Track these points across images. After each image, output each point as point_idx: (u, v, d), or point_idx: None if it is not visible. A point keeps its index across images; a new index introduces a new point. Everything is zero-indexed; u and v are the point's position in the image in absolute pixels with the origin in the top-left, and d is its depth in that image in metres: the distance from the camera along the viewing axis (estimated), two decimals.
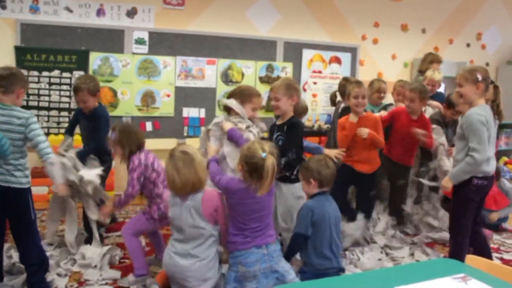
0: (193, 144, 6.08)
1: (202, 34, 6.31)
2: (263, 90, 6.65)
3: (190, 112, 6.31)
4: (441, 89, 5.79)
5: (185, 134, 6.33)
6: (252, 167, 2.83)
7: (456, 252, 3.54)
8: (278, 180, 3.53)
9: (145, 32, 6.04)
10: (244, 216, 2.93)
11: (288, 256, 3.19)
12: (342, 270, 3.25)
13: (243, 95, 3.80)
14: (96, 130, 4.22)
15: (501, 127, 8.11)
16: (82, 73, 5.70)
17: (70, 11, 5.73)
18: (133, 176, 3.49)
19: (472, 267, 2.32)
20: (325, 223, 3.15)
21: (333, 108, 5.07)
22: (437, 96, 5.48)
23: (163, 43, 6.11)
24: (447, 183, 3.56)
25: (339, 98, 5.09)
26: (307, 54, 6.95)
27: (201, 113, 6.38)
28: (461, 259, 3.23)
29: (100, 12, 5.86)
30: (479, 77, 3.39)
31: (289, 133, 3.61)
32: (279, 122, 3.75)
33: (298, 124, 3.67)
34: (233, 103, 3.71)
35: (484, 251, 3.68)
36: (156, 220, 3.56)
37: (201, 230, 2.87)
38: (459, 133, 3.53)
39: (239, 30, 6.53)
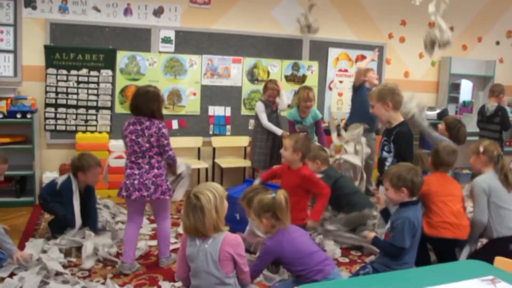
0: (219, 143, 6.17)
1: (228, 33, 6.32)
2: (289, 89, 6.65)
3: (216, 110, 6.33)
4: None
5: (211, 132, 6.35)
6: (270, 210, 3.03)
7: None
8: (378, 184, 3.75)
9: (171, 31, 6.07)
10: (306, 257, 3.00)
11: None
12: None
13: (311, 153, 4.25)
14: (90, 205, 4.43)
15: None
16: (109, 71, 5.78)
17: (98, 10, 5.80)
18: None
19: (501, 270, 2.25)
20: (419, 233, 3.20)
21: None
22: None
23: (189, 42, 6.14)
24: None
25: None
26: (333, 52, 6.91)
27: (227, 111, 6.39)
28: None
29: (127, 11, 5.91)
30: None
31: (396, 145, 3.62)
32: (387, 127, 3.76)
33: (403, 135, 3.63)
34: None
35: None
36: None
37: (214, 279, 2.69)
38: None
39: (264, 28, 6.52)
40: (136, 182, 3.58)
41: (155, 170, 3.61)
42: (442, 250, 3.75)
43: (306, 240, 3.10)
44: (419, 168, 3.32)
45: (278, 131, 5.59)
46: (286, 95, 5.86)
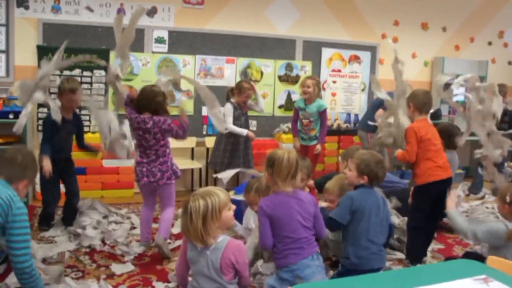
0: (212, 143, 6.16)
1: (221, 33, 6.32)
2: (282, 89, 6.66)
3: None
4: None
5: (204, 132, 6.35)
6: (272, 166, 3.03)
7: None
8: None
9: (165, 31, 6.06)
10: (290, 229, 3.00)
11: None
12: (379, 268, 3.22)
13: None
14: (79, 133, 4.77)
15: None
16: (102, 72, 5.75)
17: (91, 10, 5.78)
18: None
19: (493, 269, 2.26)
20: (365, 215, 3.21)
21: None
22: None
23: (183, 42, 6.13)
24: None
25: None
26: (326, 52, 6.92)
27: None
28: None
29: (120, 12, 5.89)
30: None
31: None
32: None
33: None
34: None
35: None
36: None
37: (215, 284, 2.60)
38: None
39: (258, 29, 6.52)
40: (144, 169, 3.96)
41: (160, 159, 3.98)
42: (439, 194, 3.83)
43: (297, 218, 3.02)
44: (385, 161, 3.47)
45: (243, 132, 5.43)
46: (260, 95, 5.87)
